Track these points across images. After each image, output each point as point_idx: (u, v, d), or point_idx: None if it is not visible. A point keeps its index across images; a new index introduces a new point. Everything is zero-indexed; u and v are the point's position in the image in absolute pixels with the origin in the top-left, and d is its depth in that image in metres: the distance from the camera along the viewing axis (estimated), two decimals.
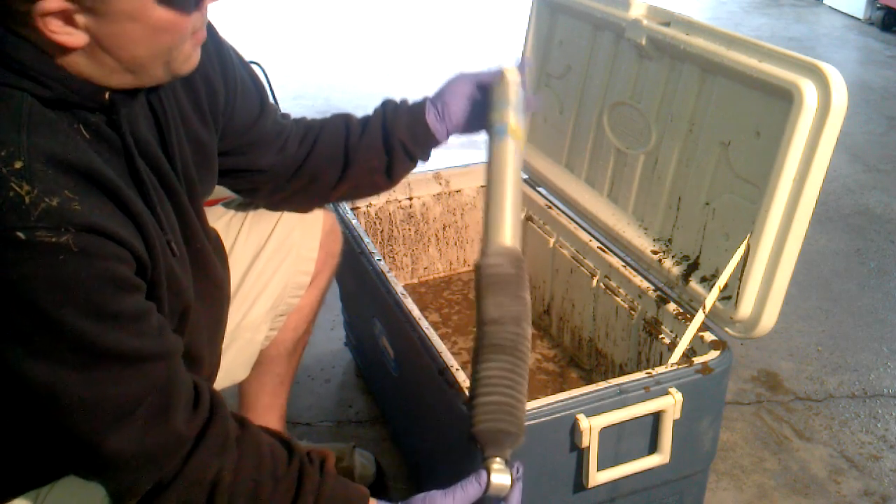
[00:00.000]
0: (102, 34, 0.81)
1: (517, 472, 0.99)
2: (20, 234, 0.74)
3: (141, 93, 0.94)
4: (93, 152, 0.84)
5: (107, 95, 0.87)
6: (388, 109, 1.32)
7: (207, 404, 0.91)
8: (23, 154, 0.76)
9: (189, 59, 0.91)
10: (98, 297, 0.79)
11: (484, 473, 0.96)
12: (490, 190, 1.13)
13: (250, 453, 0.92)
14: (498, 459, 0.96)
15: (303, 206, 1.36)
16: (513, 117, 1.20)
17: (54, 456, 0.88)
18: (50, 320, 0.76)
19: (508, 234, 1.08)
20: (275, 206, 1.34)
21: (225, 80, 1.13)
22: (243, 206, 1.36)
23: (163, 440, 0.86)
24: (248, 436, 0.94)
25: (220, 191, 1.24)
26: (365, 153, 1.30)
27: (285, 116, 1.30)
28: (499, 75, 1.26)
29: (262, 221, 1.35)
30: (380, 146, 1.30)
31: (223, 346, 1.19)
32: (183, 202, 1.00)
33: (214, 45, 1.10)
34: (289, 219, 1.36)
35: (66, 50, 0.81)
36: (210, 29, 1.08)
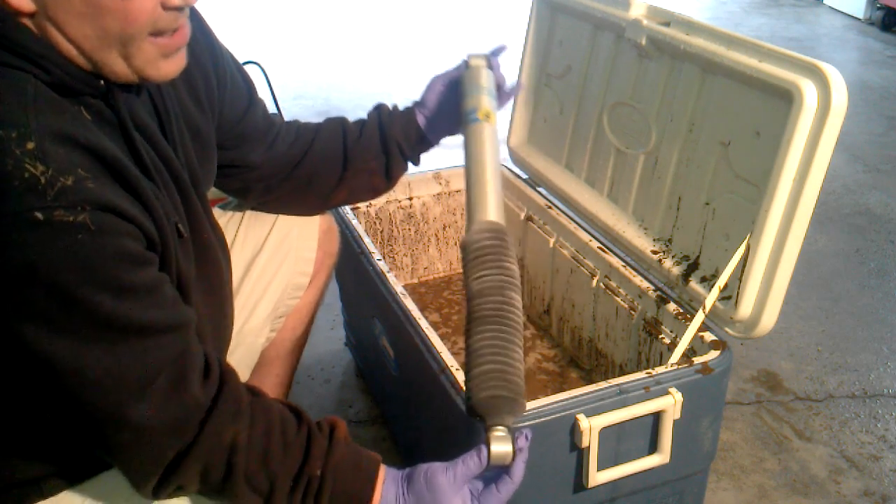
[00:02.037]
0: (47, 1, 0.79)
1: (525, 440, 0.96)
2: (38, 215, 0.74)
3: (134, 87, 0.93)
4: (99, 132, 0.84)
5: (102, 82, 0.87)
6: (383, 113, 1.34)
7: (218, 372, 0.92)
8: (33, 134, 0.77)
9: (156, 64, 0.88)
10: (115, 273, 0.80)
11: (484, 447, 0.94)
12: (468, 173, 1.12)
13: (261, 418, 0.93)
14: (500, 428, 0.94)
15: (300, 209, 1.36)
16: (484, 101, 1.19)
17: (76, 443, 0.89)
18: (71, 298, 0.77)
19: (491, 211, 1.06)
20: (270, 207, 1.34)
21: (216, 69, 1.14)
22: (239, 208, 1.36)
23: (182, 408, 0.86)
24: (259, 402, 0.94)
25: (215, 193, 1.24)
26: (363, 155, 1.32)
27: (275, 116, 1.30)
28: (464, 65, 1.27)
29: (258, 223, 1.34)
30: (378, 147, 1.32)
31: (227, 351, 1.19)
32: (188, 189, 1.00)
33: (203, 35, 1.11)
34: (285, 220, 1.36)
35: (17, 14, 0.80)
36: (198, 18, 1.08)
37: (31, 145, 0.76)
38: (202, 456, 0.88)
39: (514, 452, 0.94)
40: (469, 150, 1.14)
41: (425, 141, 1.34)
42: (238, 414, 0.91)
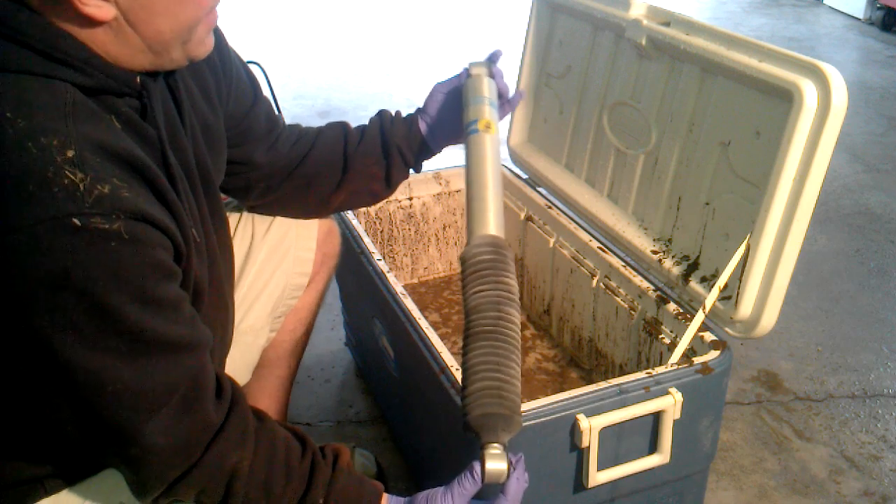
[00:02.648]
0: (130, 6, 0.82)
1: (516, 461, 0.97)
2: (76, 221, 0.75)
3: (160, 77, 0.95)
4: (130, 141, 0.85)
5: (138, 80, 0.89)
6: (385, 118, 1.35)
7: (229, 394, 0.92)
8: (72, 143, 0.78)
9: (203, 41, 0.92)
10: (145, 284, 0.80)
11: (477, 464, 0.95)
12: (469, 186, 1.12)
13: (266, 446, 0.93)
14: (495, 445, 0.94)
15: (300, 211, 1.36)
16: (485, 111, 1.19)
17: (81, 446, 0.89)
18: (100, 306, 0.77)
19: (491, 224, 1.05)
20: (270, 208, 1.34)
21: (222, 65, 1.15)
22: (237, 209, 1.36)
23: (194, 428, 0.87)
24: (265, 428, 0.95)
25: None
26: (364, 159, 1.32)
27: (278, 117, 1.31)
28: (465, 73, 1.27)
29: (256, 222, 1.35)
30: (378, 153, 1.32)
31: None
32: (197, 188, 1.01)
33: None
34: (284, 219, 1.36)
35: (92, 24, 0.82)
36: None
37: (71, 153, 0.77)
38: (202, 478, 0.89)
39: (509, 470, 0.94)
40: (469, 162, 1.14)
41: (427, 148, 1.34)
42: (243, 440, 0.91)
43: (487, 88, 1.23)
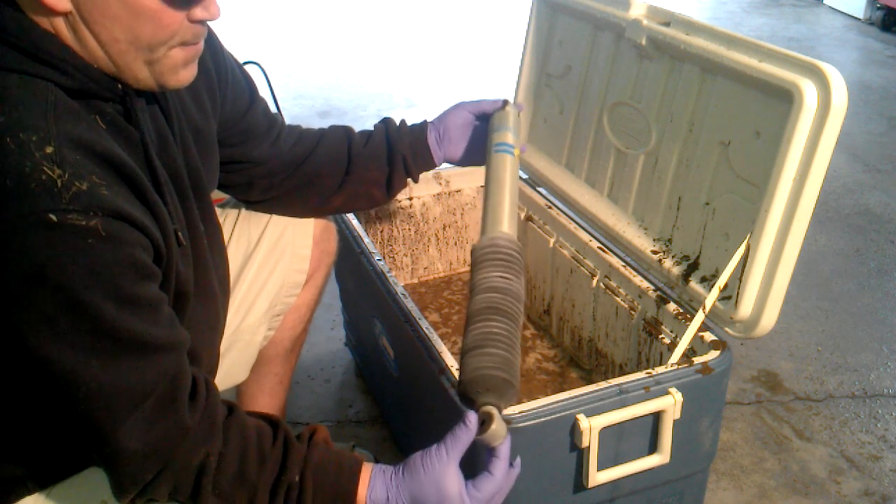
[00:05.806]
0: (84, 2, 0.81)
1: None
2: (52, 217, 0.75)
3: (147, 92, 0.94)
4: (112, 141, 0.85)
5: (120, 86, 0.89)
6: (391, 126, 1.37)
7: (204, 394, 0.92)
8: (52, 139, 0.78)
9: (177, 71, 0.90)
10: (122, 283, 0.80)
11: (472, 415, 0.95)
12: (489, 190, 1.17)
13: (235, 437, 0.93)
14: (492, 407, 0.95)
15: (299, 210, 1.37)
16: (511, 139, 1.27)
17: (65, 447, 0.89)
18: (76, 303, 0.77)
19: (506, 226, 1.10)
20: (270, 206, 1.35)
21: (216, 67, 1.15)
22: (235, 207, 1.36)
23: (168, 433, 0.86)
24: (234, 420, 0.94)
25: (216, 193, 1.24)
26: (367, 163, 1.33)
27: (276, 116, 1.32)
28: (500, 104, 1.36)
29: (253, 222, 1.35)
30: (383, 158, 1.34)
31: (223, 348, 1.20)
32: (187, 193, 1.01)
33: None
34: (280, 218, 1.36)
35: (50, 13, 0.81)
36: None
37: (50, 149, 0.77)
38: (172, 477, 0.89)
39: (507, 432, 0.96)
40: (492, 172, 1.20)
41: (430, 160, 1.37)
42: (211, 434, 0.91)
43: (516, 123, 1.33)
